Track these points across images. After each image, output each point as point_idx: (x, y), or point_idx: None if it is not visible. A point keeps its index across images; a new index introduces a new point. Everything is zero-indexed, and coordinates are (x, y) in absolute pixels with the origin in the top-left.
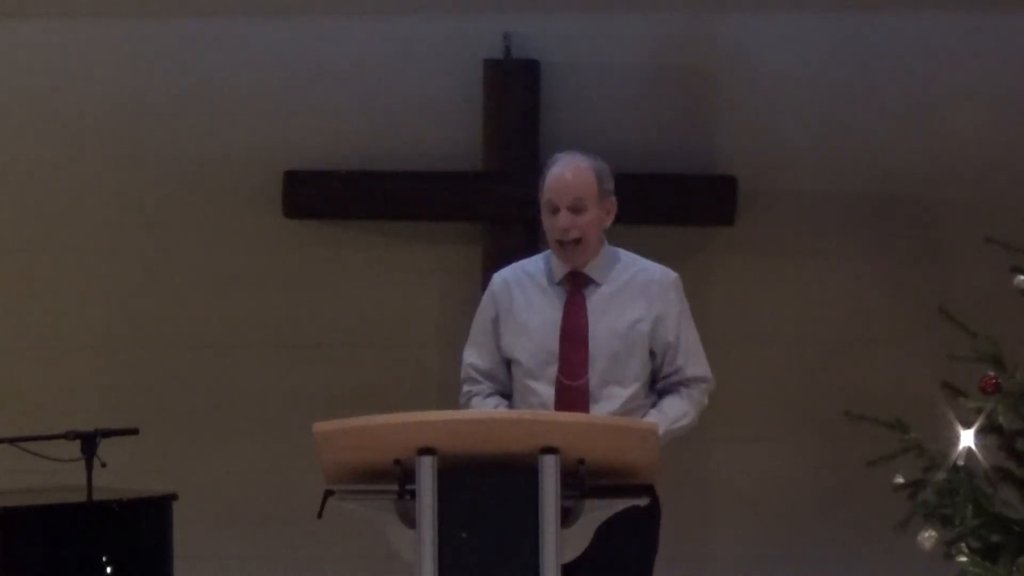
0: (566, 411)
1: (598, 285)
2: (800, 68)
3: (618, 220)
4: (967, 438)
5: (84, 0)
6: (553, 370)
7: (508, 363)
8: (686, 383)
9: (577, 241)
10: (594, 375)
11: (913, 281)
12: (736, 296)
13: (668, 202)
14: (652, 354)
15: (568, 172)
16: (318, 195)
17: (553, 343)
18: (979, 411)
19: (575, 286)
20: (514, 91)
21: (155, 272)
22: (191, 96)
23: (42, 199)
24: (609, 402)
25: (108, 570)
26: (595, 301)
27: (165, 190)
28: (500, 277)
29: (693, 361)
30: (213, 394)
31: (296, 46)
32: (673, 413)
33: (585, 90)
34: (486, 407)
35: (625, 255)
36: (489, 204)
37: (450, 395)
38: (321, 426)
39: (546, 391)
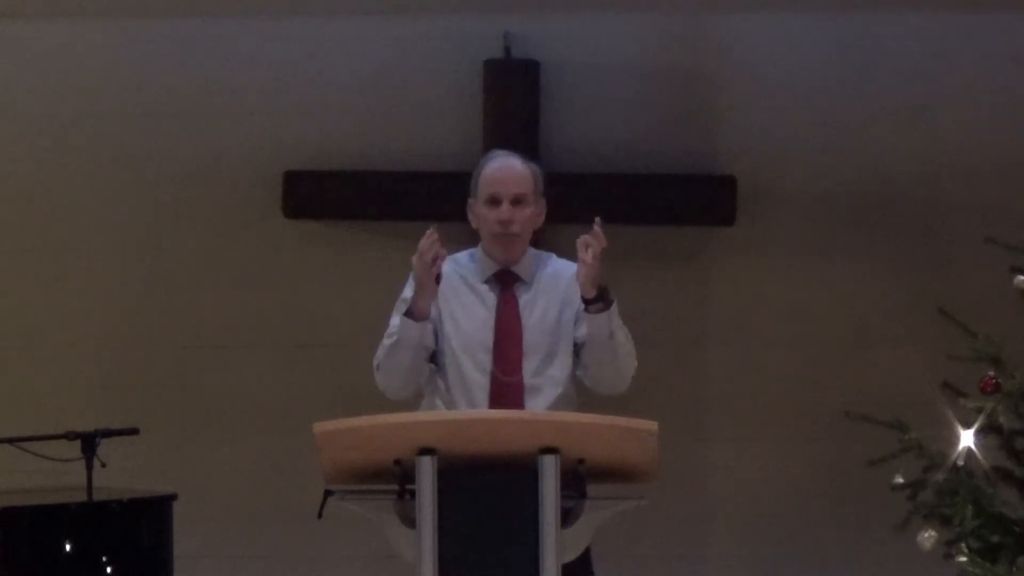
0: (499, 406)
1: (525, 283)
2: (800, 68)
3: (618, 220)
4: (967, 438)
5: (85, 0)
6: (486, 366)
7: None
8: None
9: (515, 235)
10: (528, 371)
11: (913, 281)
12: (736, 296)
13: (668, 202)
14: (575, 348)
15: (511, 166)
16: (318, 195)
17: (488, 341)
18: (979, 411)
19: (505, 284)
20: (514, 91)
21: (155, 272)
22: (191, 96)
23: (42, 199)
24: (542, 398)
25: (108, 570)
26: (525, 299)
27: (165, 190)
28: None
29: None
30: (213, 394)
31: (296, 46)
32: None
33: (585, 90)
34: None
35: (543, 253)
36: None
37: None
38: (321, 426)
39: (483, 384)
